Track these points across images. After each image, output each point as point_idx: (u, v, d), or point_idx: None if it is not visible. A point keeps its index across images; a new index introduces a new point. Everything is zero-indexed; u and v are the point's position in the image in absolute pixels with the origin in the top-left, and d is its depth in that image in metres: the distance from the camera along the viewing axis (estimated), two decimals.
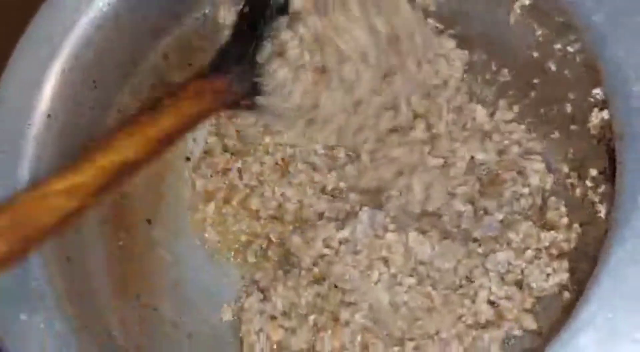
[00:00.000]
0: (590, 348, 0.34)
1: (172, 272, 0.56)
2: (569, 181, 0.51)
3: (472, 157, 0.55)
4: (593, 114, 0.46)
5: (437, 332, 0.50)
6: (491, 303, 0.50)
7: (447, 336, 0.49)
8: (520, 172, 0.54)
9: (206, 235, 0.58)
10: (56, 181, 0.36)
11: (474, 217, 0.53)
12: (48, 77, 0.44)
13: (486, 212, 0.53)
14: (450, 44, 0.56)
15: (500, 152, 0.55)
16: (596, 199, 0.47)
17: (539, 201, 0.53)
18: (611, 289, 0.35)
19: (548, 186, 0.53)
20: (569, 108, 0.50)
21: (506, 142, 0.55)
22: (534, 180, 0.53)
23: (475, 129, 0.56)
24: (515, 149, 0.55)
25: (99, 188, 0.37)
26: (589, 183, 0.49)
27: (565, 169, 0.51)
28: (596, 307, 0.35)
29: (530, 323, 0.49)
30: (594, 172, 0.48)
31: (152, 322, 0.53)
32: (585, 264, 0.45)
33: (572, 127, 0.50)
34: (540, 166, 0.53)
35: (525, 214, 0.52)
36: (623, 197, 0.37)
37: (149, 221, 0.57)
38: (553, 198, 0.52)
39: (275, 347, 0.52)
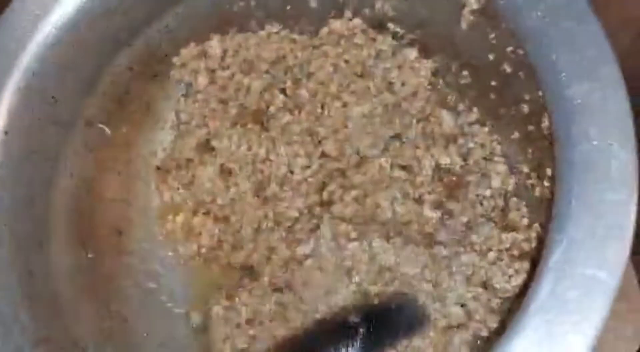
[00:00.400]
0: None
1: (143, 281, 0.57)
2: (529, 181, 0.51)
3: (437, 164, 0.55)
4: (544, 116, 0.46)
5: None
6: (461, 305, 0.51)
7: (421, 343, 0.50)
8: (484, 175, 0.54)
9: (177, 245, 0.58)
10: None
11: (439, 221, 0.53)
12: (2, 95, 0.45)
13: (451, 216, 0.54)
14: (413, 53, 0.56)
15: (464, 156, 0.55)
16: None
17: (500, 202, 0.53)
18: (548, 293, 0.35)
19: (510, 188, 0.53)
20: (525, 109, 0.50)
21: (470, 145, 0.55)
22: (496, 182, 0.53)
23: (440, 135, 0.56)
24: (479, 152, 0.55)
25: None
26: (546, 183, 0.49)
27: (526, 169, 0.52)
28: (534, 310, 0.35)
29: (495, 323, 0.49)
30: (549, 172, 0.48)
31: (123, 333, 0.54)
32: None
33: (530, 127, 0.50)
34: (503, 168, 0.54)
35: (487, 216, 0.53)
36: (558, 201, 0.37)
37: (119, 232, 0.58)
38: (514, 199, 0.53)
39: None
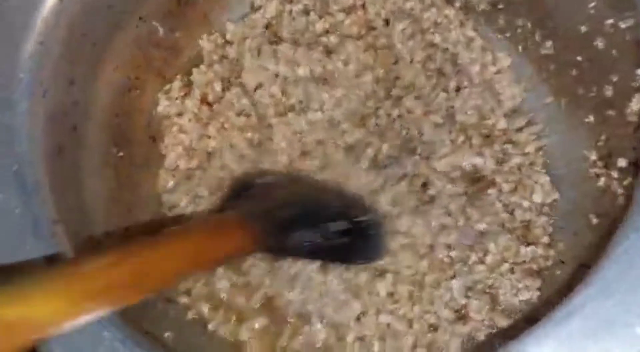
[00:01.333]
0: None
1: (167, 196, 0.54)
2: (593, 170, 0.47)
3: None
4: (634, 98, 0.43)
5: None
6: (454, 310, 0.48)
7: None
8: (521, 184, 0.51)
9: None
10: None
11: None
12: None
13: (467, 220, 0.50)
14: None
15: (500, 160, 0.52)
16: (619, 191, 0.44)
17: (529, 216, 0.50)
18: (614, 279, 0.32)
19: (548, 201, 0.50)
20: (609, 91, 0.46)
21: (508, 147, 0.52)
22: (538, 196, 0.50)
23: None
24: (517, 159, 0.52)
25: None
26: (615, 174, 0.45)
27: (593, 156, 0.48)
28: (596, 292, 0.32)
29: (501, 321, 0.47)
30: (622, 162, 0.44)
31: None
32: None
33: (609, 112, 0.46)
34: (546, 180, 0.50)
35: (507, 227, 0.50)
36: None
37: (152, 139, 0.56)
38: (544, 217, 0.50)
39: None
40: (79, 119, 0.47)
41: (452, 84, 0.54)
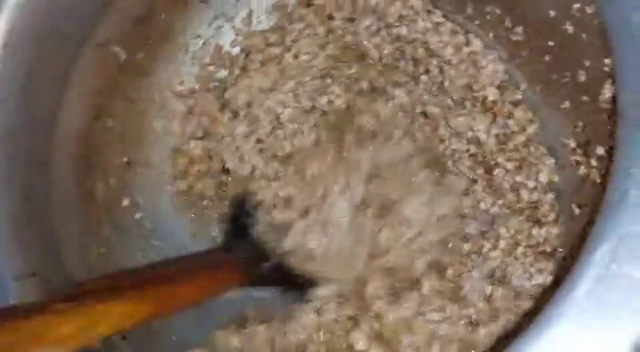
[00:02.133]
0: None
1: (146, 223, 0.54)
2: (574, 158, 0.46)
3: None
4: (606, 85, 0.41)
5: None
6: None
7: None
8: (526, 164, 0.50)
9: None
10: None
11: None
12: (2, 7, 0.41)
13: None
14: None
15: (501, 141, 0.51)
16: (598, 181, 0.43)
17: (536, 196, 0.48)
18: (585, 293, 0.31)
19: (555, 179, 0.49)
20: (582, 77, 0.45)
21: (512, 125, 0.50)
22: (543, 176, 0.48)
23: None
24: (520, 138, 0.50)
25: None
26: (594, 162, 0.44)
27: (572, 144, 0.47)
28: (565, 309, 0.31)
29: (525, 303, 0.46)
30: (600, 150, 0.43)
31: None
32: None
33: (584, 97, 0.45)
34: (551, 162, 0.49)
35: (516, 208, 0.48)
36: (612, 188, 0.33)
37: (127, 163, 0.55)
38: (550, 194, 0.48)
39: None
40: (45, 158, 0.46)
41: (430, 67, 0.53)
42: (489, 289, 0.46)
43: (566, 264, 0.43)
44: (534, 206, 0.48)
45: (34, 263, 0.41)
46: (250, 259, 0.47)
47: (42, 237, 0.44)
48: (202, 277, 0.42)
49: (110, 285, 0.36)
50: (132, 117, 0.55)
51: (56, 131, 0.47)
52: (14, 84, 0.43)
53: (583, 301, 0.31)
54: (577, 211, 0.45)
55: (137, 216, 0.54)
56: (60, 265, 0.44)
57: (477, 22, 0.53)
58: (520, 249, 0.47)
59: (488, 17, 0.52)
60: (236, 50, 0.57)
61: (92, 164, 0.52)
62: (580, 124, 0.46)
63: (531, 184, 0.49)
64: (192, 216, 0.55)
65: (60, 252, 0.45)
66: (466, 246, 0.48)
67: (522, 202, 0.48)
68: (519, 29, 0.50)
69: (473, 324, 0.45)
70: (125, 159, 0.55)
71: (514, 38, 0.50)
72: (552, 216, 0.47)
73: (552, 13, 0.46)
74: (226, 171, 0.55)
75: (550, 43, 0.47)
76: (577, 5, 0.43)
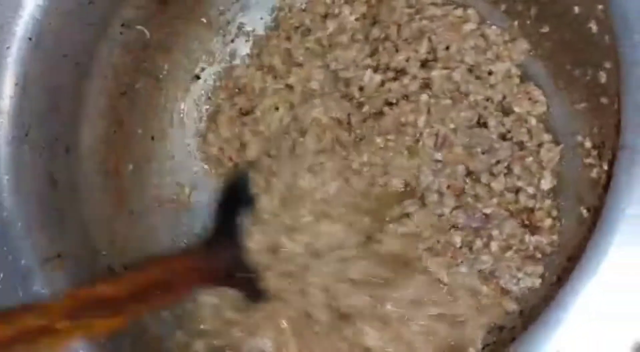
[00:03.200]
0: None
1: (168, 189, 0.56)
2: (588, 160, 0.45)
3: None
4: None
5: None
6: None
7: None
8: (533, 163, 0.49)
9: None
10: None
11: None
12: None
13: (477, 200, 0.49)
14: None
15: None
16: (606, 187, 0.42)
17: (532, 202, 0.48)
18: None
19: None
20: (602, 78, 0.44)
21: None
22: (546, 183, 0.48)
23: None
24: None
25: None
26: (605, 166, 0.43)
27: (588, 144, 0.46)
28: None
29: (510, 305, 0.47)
30: (610, 155, 0.43)
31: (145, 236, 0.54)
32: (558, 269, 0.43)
33: (602, 99, 0.44)
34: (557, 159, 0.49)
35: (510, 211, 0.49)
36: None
37: (152, 138, 0.57)
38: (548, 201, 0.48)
39: None
40: (70, 140, 0.48)
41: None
42: (476, 284, 0.47)
43: (560, 267, 0.44)
44: (530, 210, 0.48)
45: (59, 245, 0.44)
46: (226, 263, 0.49)
47: (68, 219, 0.46)
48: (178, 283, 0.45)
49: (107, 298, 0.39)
50: (157, 94, 0.57)
51: (81, 113, 0.50)
52: (38, 69, 0.44)
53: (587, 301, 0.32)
54: (585, 213, 0.45)
55: (164, 191, 0.56)
56: (87, 245, 0.47)
57: (502, 7, 0.51)
58: (509, 253, 0.47)
59: (516, 4, 0.50)
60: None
61: (118, 142, 0.54)
62: (597, 124, 0.45)
63: (531, 190, 0.48)
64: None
65: (87, 232, 0.48)
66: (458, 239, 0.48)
67: (519, 204, 0.49)
68: (544, 20, 0.48)
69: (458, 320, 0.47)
70: (150, 135, 0.57)
71: (540, 29, 0.49)
72: (548, 222, 0.47)
73: (577, 9, 0.44)
74: None
75: (575, 39, 0.46)
76: (600, 7, 0.41)
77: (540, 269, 0.46)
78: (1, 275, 0.39)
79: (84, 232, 0.48)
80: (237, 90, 0.58)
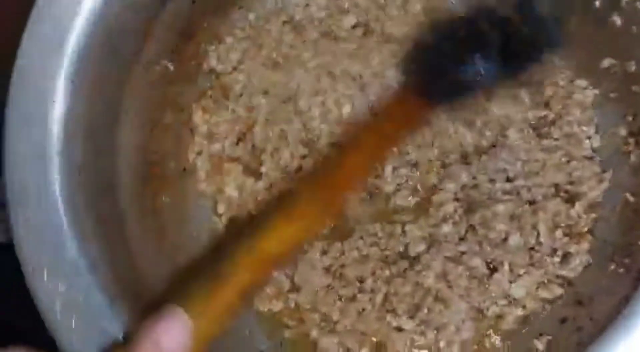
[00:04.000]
0: None
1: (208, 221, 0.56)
2: (626, 147, 0.47)
3: None
4: None
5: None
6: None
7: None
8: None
9: None
10: None
11: None
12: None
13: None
14: None
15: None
16: None
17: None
18: None
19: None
20: (632, 66, 0.45)
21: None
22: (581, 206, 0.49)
23: None
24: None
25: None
26: None
27: (623, 132, 0.47)
28: None
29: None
30: None
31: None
32: None
33: (634, 87, 0.46)
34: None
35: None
36: None
37: (184, 169, 0.57)
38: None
39: None
40: (111, 180, 0.48)
41: None
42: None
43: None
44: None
45: (120, 285, 0.43)
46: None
47: (116, 257, 0.46)
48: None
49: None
50: (183, 124, 0.57)
51: (118, 153, 0.49)
52: (79, 117, 0.44)
53: None
54: (631, 198, 0.46)
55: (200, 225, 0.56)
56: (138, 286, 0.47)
57: None
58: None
59: None
60: None
61: (151, 175, 0.54)
62: (631, 112, 0.47)
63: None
64: None
65: (135, 267, 0.47)
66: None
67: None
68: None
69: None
70: (182, 168, 0.56)
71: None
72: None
73: (597, 2, 0.46)
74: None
75: (597, 32, 0.47)
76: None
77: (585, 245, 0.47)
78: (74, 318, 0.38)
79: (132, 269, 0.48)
80: None
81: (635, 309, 0.38)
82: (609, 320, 0.40)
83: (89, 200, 0.44)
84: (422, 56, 0.49)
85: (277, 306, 0.52)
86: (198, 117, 0.57)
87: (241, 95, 0.57)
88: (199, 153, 0.56)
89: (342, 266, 0.51)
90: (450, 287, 0.48)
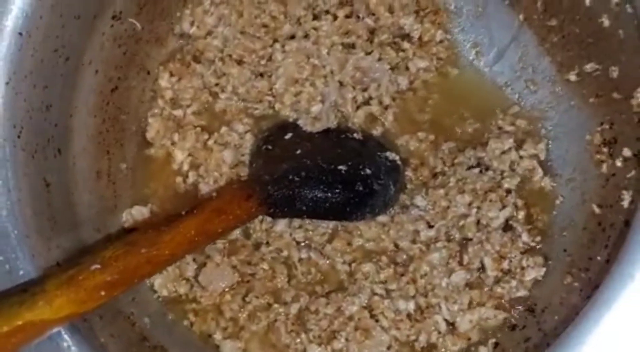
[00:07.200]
0: None
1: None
2: (598, 156, 0.45)
3: None
4: None
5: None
6: None
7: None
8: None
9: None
10: None
11: None
12: None
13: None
14: None
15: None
16: (622, 183, 0.42)
17: None
18: None
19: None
20: (614, 73, 0.43)
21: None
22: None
23: None
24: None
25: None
26: (618, 163, 0.43)
27: (597, 140, 0.45)
28: None
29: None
30: (627, 152, 0.42)
31: None
32: None
33: (615, 95, 0.43)
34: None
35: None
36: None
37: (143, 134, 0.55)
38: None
39: None
40: (61, 140, 0.46)
41: None
42: None
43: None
44: None
45: (56, 252, 0.41)
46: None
47: (62, 223, 0.44)
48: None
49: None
50: (148, 88, 0.55)
51: (73, 112, 0.47)
52: (28, 66, 0.42)
53: None
54: (597, 210, 0.44)
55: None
56: (81, 250, 0.45)
57: (506, 1, 0.50)
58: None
59: None
60: None
61: (109, 139, 0.51)
62: (607, 119, 0.45)
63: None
64: None
65: (80, 237, 0.46)
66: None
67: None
68: (553, 13, 0.47)
69: None
70: (143, 133, 0.54)
71: (547, 22, 0.48)
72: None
73: (587, 2, 0.43)
74: None
75: (584, 32, 0.45)
76: (615, 0, 0.40)
77: (540, 259, 0.46)
78: None
79: (77, 237, 0.46)
80: None
81: (585, 324, 0.37)
82: (558, 332, 0.39)
83: (30, 162, 0.42)
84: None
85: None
86: (164, 80, 0.54)
87: (213, 61, 0.54)
88: (157, 116, 0.53)
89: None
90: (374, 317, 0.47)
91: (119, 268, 0.38)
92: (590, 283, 0.41)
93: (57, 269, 0.39)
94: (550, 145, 0.49)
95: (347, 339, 0.47)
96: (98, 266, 0.37)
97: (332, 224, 0.50)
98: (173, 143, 0.53)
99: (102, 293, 0.37)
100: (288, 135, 0.50)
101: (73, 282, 0.36)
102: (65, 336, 0.37)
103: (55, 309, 0.35)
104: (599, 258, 0.41)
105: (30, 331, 0.34)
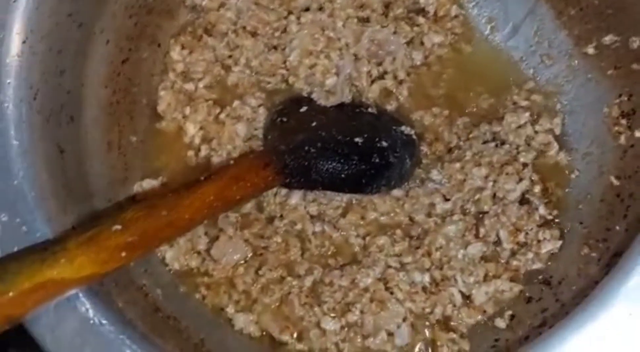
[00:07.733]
0: None
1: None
2: (616, 128, 0.45)
3: None
4: None
5: None
6: None
7: None
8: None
9: None
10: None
11: None
12: None
13: None
14: None
15: None
16: None
17: None
18: None
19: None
20: (635, 43, 0.43)
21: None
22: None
23: None
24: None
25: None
26: (638, 134, 0.43)
27: (614, 113, 0.45)
28: None
29: None
30: None
31: None
32: None
33: (634, 66, 0.43)
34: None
35: None
36: None
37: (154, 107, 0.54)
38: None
39: None
40: (74, 108, 0.45)
41: None
42: None
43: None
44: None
45: (71, 217, 0.41)
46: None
47: (76, 190, 0.43)
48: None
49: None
50: (159, 61, 0.54)
51: (85, 80, 0.46)
52: (44, 27, 0.41)
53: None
54: (615, 182, 0.44)
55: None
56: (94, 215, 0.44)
57: None
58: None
59: None
60: None
61: (120, 111, 0.51)
62: (626, 92, 0.45)
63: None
64: None
65: (92, 206, 0.45)
66: None
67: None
68: None
69: None
70: (154, 106, 0.53)
71: None
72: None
73: None
74: None
75: (603, 4, 0.45)
76: None
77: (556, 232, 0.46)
78: (16, 249, 0.36)
79: (91, 206, 0.45)
80: None
81: (604, 295, 0.37)
82: (576, 302, 0.39)
83: (45, 126, 0.42)
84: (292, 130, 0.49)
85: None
86: (176, 53, 0.53)
87: (226, 33, 0.53)
88: (168, 89, 0.53)
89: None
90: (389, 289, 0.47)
91: (139, 230, 0.37)
92: (608, 252, 0.41)
93: (76, 231, 0.38)
94: (566, 120, 0.49)
95: (362, 311, 0.46)
96: (119, 227, 0.37)
97: (345, 197, 0.50)
98: (184, 116, 0.53)
99: (123, 254, 0.36)
100: (303, 109, 0.50)
101: (94, 242, 0.35)
102: (83, 299, 0.37)
103: (77, 268, 0.34)
104: (617, 228, 0.41)
105: (50, 288, 0.34)
